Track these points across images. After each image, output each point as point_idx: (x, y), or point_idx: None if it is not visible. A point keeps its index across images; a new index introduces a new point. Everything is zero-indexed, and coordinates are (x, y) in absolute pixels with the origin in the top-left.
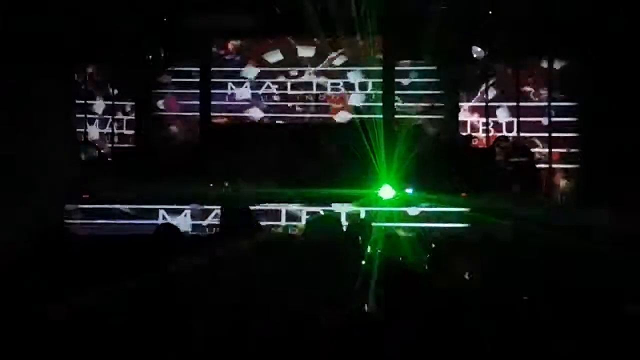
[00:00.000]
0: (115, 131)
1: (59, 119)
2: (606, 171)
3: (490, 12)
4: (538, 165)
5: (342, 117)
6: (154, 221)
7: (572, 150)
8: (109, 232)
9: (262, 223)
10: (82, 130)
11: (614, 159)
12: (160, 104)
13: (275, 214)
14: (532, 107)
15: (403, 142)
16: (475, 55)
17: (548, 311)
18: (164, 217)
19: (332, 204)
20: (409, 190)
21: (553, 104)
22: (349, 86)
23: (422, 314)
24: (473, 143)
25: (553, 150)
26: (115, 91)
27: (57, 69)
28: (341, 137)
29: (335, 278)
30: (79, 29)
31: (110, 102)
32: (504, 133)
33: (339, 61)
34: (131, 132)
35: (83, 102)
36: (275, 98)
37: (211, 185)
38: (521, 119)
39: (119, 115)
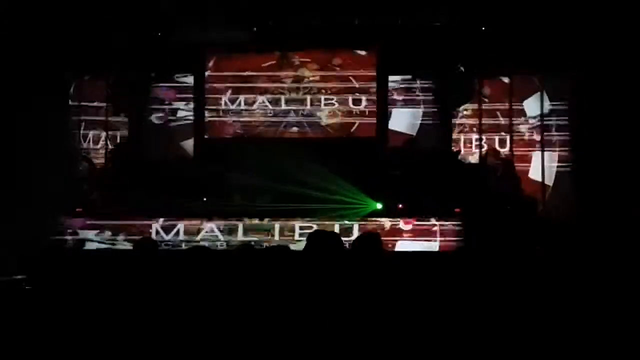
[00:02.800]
0: (110, 145)
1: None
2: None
3: (483, 28)
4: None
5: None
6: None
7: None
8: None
9: (254, 238)
10: (77, 144)
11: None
12: (154, 117)
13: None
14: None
15: (396, 158)
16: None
17: None
18: (157, 232)
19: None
20: (401, 206)
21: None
22: (342, 101)
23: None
24: (465, 158)
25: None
26: (110, 105)
27: (52, 82)
28: (333, 152)
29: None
30: (75, 43)
31: (104, 117)
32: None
33: (332, 75)
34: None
35: (77, 117)
36: (269, 113)
37: (204, 200)
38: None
39: (113, 130)
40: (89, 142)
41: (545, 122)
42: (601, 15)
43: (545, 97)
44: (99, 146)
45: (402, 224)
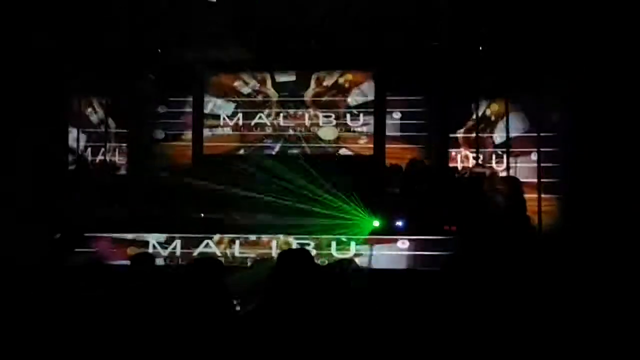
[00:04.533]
0: (108, 159)
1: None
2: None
3: (480, 48)
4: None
5: (333, 149)
6: (144, 249)
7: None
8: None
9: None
10: (75, 157)
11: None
12: (156, 133)
13: (267, 244)
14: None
15: (394, 175)
16: None
17: None
18: (154, 247)
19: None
20: (399, 224)
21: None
22: (340, 119)
23: None
24: (461, 175)
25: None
26: (109, 120)
27: (51, 98)
28: (331, 169)
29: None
30: (75, 59)
31: (104, 131)
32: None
33: (331, 93)
34: (123, 160)
35: (76, 129)
36: (268, 129)
37: (202, 215)
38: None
39: (112, 144)
40: (88, 156)
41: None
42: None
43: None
44: (97, 161)
45: (399, 242)
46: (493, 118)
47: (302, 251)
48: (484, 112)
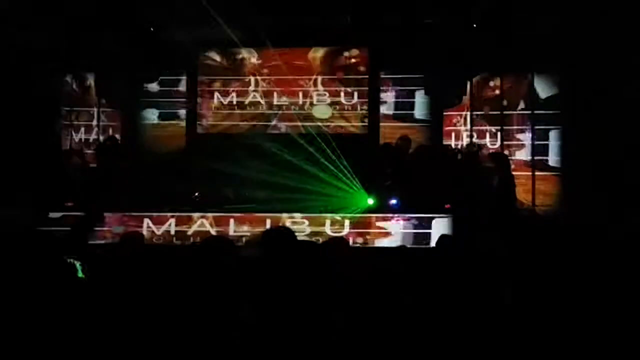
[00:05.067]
0: (101, 139)
1: (44, 126)
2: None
3: (474, 25)
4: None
5: (327, 127)
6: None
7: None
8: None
9: (245, 230)
10: (68, 137)
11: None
12: (148, 112)
13: (260, 222)
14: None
15: (387, 154)
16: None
17: None
18: (148, 226)
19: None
20: (393, 201)
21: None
22: (335, 97)
23: None
24: (455, 153)
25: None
26: (102, 99)
27: (43, 76)
28: (325, 147)
29: None
30: (67, 37)
31: (97, 110)
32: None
33: (325, 71)
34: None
35: (69, 108)
36: (262, 108)
37: (196, 194)
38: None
39: (105, 123)
40: (80, 135)
41: (536, 120)
42: (593, 16)
43: (537, 95)
44: (90, 140)
45: (392, 220)
46: (488, 95)
47: (285, 230)
48: (479, 89)
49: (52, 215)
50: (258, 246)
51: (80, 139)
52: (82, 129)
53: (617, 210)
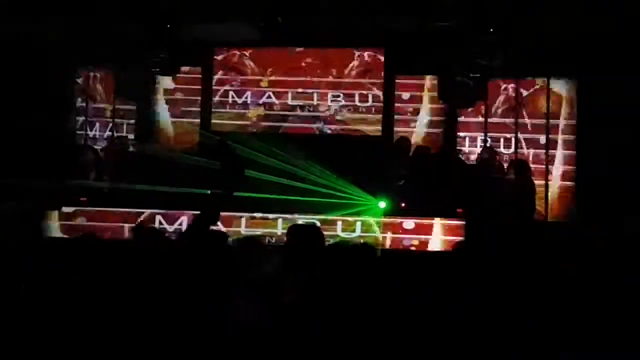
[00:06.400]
0: (116, 134)
1: (58, 121)
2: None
3: (491, 30)
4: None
5: (341, 129)
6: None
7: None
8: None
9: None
10: (82, 132)
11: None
12: (161, 108)
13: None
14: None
15: (401, 157)
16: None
17: None
18: (160, 223)
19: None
20: (404, 205)
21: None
22: (349, 99)
23: None
24: (469, 158)
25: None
26: (117, 95)
27: (58, 71)
28: (338, 149)
29: None
30: (82, 32)
31: (111, 105)
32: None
33: (339, 73)
34: (131, 136)
35: (84, 104)
36: (276, 108)
37: (209, 192)
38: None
39: (120, 119)
40: (95, 131)
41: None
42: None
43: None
44: (105, 136)
45: (404, 223)
46: (505, 101)
47: (312, 227)
48: (494, 94)
49: (65, 210)
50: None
51: (95, 135)
52: (97, 125)
53: (631, 220)
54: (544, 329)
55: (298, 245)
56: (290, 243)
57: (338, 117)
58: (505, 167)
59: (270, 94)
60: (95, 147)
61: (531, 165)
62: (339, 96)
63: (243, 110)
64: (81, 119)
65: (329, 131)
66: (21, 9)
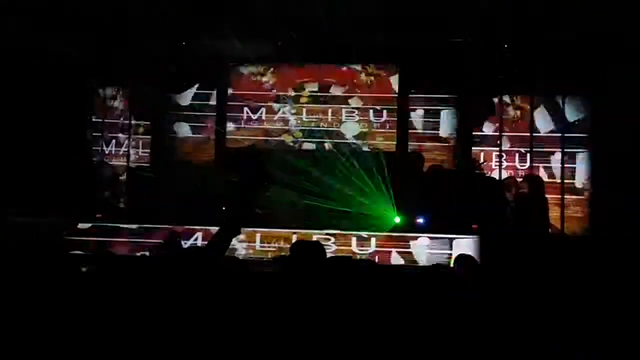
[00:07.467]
0: (131, 151)
1: (75, 137)
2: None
3: (505, 46)
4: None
5: (356, 145)
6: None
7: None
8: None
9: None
10: (98, 149)
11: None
12: (177, 125)
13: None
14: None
15: (416, 173)
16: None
17: None
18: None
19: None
20: (420, 220)
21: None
22: (364, 115)
23: None
24: (484, 174)
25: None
26: (133, 111)
27: (75, 87)
28: (353, 165)
29: None
30: (97, 49)
31: (127, 122)
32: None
33: (354, 89)
34: (146, 152)
35: (100, 120)
36: (291, 124)
37: (224, 208)
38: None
39: (135, 136)
40: (111, 147)
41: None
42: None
43: (566, 116)
44: (120, 152)
45: (419, 240)
46: (518, 116)
47: (315, 244)
48: (509, 110)
49: (81, 226)
50: (288, 257)
51: (111, 152)
52: (113, 142)
53: None
54: (561, 343)
55: (299, 260)
56: (292, 258)
57: (352, 133)
58: (520, 182)
59: (286, 110)
60: (111, 163)
61: (546, 180)
62: (353, 112)
63: (258, 127)
64: (97, 134)
65: (342, 146)
66: (38, 25)
